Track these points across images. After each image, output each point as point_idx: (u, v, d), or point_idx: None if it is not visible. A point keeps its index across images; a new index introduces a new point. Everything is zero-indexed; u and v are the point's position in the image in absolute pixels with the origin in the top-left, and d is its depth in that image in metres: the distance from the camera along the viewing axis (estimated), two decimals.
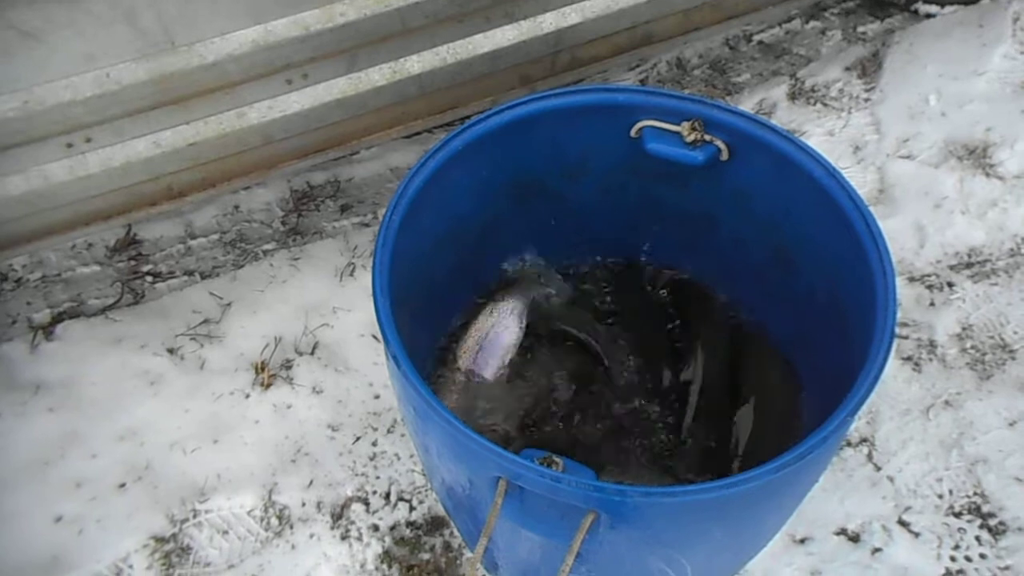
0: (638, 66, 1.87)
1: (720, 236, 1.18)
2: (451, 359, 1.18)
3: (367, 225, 1.63)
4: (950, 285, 1.48)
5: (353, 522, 1.27)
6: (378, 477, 1.31)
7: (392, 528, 1.27)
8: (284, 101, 1.44)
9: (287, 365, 1.42)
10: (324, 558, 1.23)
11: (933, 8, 1.89)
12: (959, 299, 1.46)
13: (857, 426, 1.34)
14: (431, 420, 0.83)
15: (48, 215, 1.44)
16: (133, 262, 1.59)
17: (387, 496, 1.30)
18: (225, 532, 1.27)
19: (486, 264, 1.25)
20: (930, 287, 1.48)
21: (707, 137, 1.03)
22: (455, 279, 1.21)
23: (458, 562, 1.24)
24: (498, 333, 1.17)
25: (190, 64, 1.31)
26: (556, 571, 0.79)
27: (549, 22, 1.55)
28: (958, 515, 1.25)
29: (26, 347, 1.45)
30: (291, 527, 1.26)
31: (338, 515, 1.28)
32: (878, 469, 1.29)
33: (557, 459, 0.78)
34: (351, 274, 1.53)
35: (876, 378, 0.82)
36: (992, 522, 1.24)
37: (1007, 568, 1.20)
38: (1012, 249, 1.52)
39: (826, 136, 1.71)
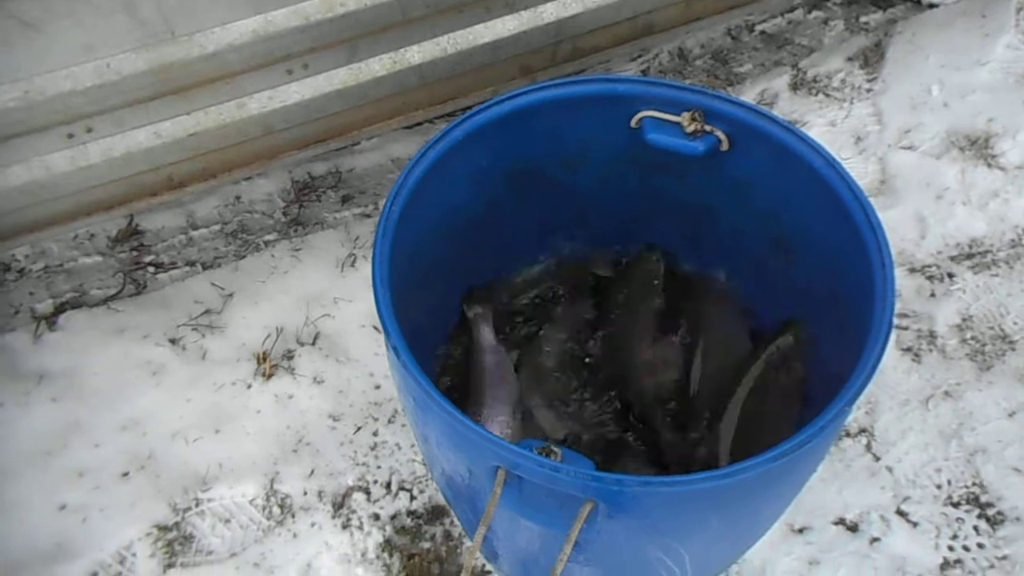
0: (640, 56, 1.86)
1: (720, 227, 1.19)
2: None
3: (368, 216, 1.63)
4: (950, 276, 1.48)
5: (354, 511, 1.28)
6: (379, 467, 1.32)
7: (393, 517, 1.27)
8: (285, 91, 1.44)
9: (288, 355, 1.43)
10: (325, 547, 1.24)
11: None
12: (959, 290, 1.46)
13: (856, 416, 1.34)
14: (430, 410, 0.83)
15: (50, 205, 1.44)
16: (135, 252, 1.60)
17: (388, 485, 1.30)
18: (227, 521, 1.27)
19: (486, 254, 1.25)
20: (930, 278, 1.48)
21: (707, 127, 1.03)
22: (455, 269, 1.21)
23: (458, 551, 1.25)
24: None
25: (190, 54, 1.31)
26: (555, 560, 0.79)
27: (550, 12, 1.54)
28: (956, 505, 1.25)
29: (29, 337, 1.46)
30: (293, 516, 1.27)
31: (339, 504, 1.28)
32: (877, 459, 1.30)
33: (556, 449, 0.79)
34: (352, 265, 1.54)
35: (874, 368, 0.82)
36: (990, 512, 1.24)
37: (1005, 558, 1.20)
38: (1013, 240, 1.52)
39: (828, 127, 1.70)
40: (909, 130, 1.67)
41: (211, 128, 1.42)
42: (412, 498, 1.29)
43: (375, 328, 1.46)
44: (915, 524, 1.24)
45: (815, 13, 1.95)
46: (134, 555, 1.24)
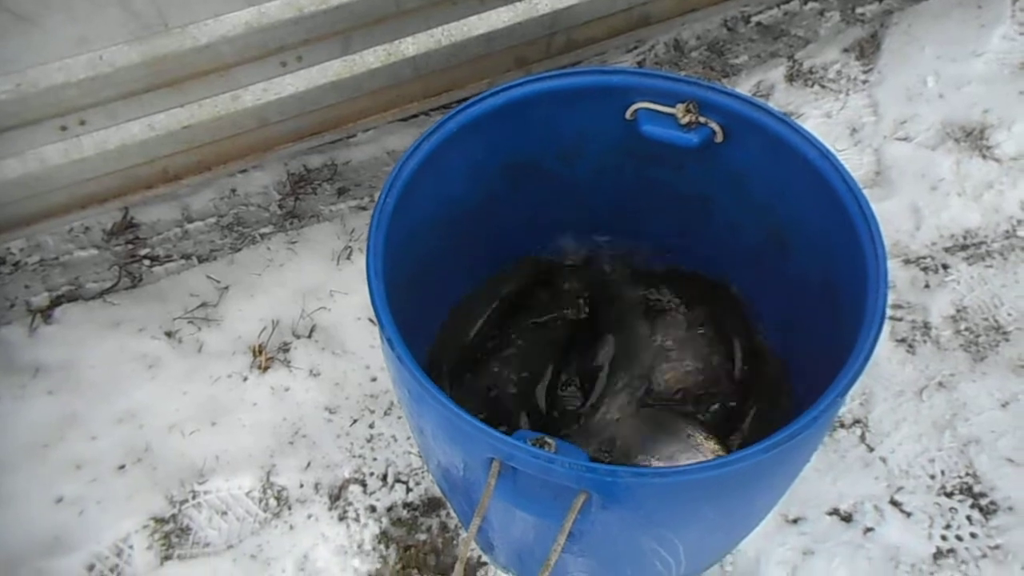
0: (635, 48, 1.86)
1: (715, 218, 1.19)
2: None
3: (364, 208, 1.63)
4: (945, 267, 1.49)
5: (350, 503, 1.28)
6: (375, 459, 1.33)
7: (389, 509, 1.28)
8: (279, 83, 1.44)
9: (285, 348, 1.43)
10: (322, 538, 1.25)
11: None
12: (954, 281, 1.47)
13: (850, 407, 1.35)
14: (425, 402, 0.83)
15: (44, 198, 1.44)
16: (130, 246, 1.60)
17: (384, 477, 1.31)
18: (224, 513, 1.28)
19: (481, 247, 1.26)
20: (925, 269, 1.49)
21: (702, 119, 1.03)
22: (450, 262, 1.21)
23: (454, 542, 1.25)
24: None
25: (183, 46, 1.31)
26: (549, 550, 0.80)
27: (545, 3, 1.54)
28: (950, 495, 1.26)
29: (25, 330, 1.46)
30: (289, 508, 1.28)
31: (336, 496, 1.29)
32: (871, 450, 1.30)
33: (550, 440, 0.79)
34: (348, 257, 1.54)
35: (866, 359, 0.83)
36: (983, 502, 1.25)
37: (997, 547, 1.21)
38: (1007, 231, 1.53)
39: (823, 118, 1.70)
40: (904, 121, 1.67)
41: (205, 120, 1.42)
42: (408, 490, 1.30)
43: (371, 321, 1.46)
44: (909, 514, 1.24)
45: (811, 4, 1.95)
46: (131, 547, 1.24)
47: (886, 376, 1.37)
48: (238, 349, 1.43)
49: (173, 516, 1.27)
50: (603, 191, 1.22)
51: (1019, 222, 1.53)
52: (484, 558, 1.23)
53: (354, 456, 1.33)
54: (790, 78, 1.77)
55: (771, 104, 1.69)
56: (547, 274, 1.31)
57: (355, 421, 1.36)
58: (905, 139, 1.64)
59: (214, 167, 1.54)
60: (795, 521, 1.24)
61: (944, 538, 1.22)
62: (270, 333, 1.45)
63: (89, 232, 1.61)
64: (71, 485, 1.29)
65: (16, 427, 1.34)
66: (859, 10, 1.91)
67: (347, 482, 1.30)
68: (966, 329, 1.42)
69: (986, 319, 1.43)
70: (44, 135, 1.34)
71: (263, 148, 1.55)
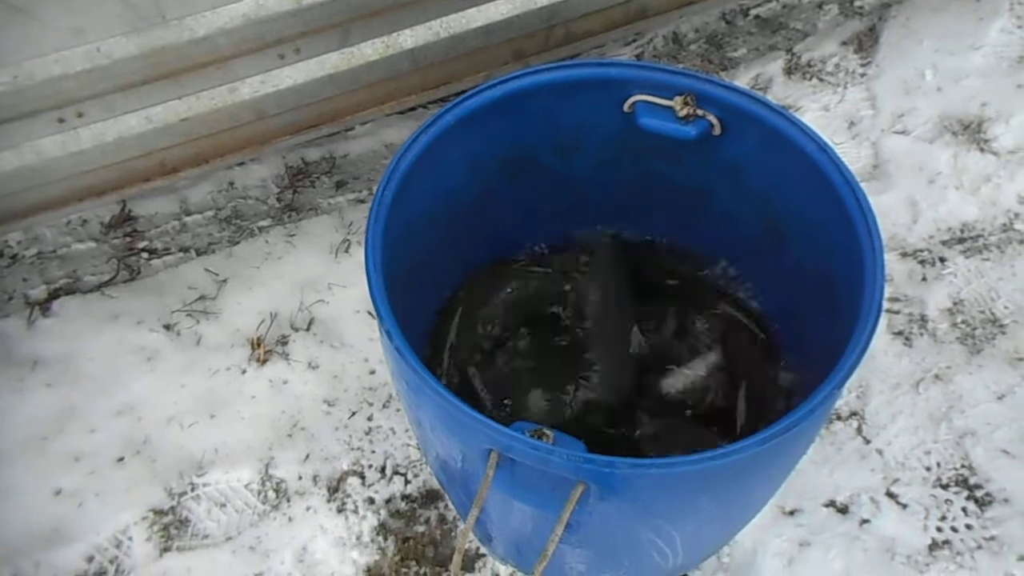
0: (634, 41, 1.85)
1: (712, 211, 1.19)
2: None
3: (362, 201, 1.63)
4: (942, 260, 1.49)
5: (349, 495, 1.29)
6: (373, 451, 1.33)
7: (388, 501, 1.28)
8: (276, 76, 1.44)
9: (283, 341, 1.43)
10: (320, 530, 1.25)
11: None
12: (951, 274, 1.47)
13: (847, 400, 1.35)
14: (424, 394, 0.84)
15: (42, 191, 1.44)
16: (128, 238, 1.60)
17: (383, 470, 1.31)
18: (223, 505, 1.28)
19: (479, 240, 1.26)
20: (922, 262, 1.49)
21: (699, 112, 1.03)
22: (448, 255, 1.21)
23: (453, 534, 1.26)
24: None
25: (181, 38, 1.30)
26: (547, 541, 0.80)
27: None
28: (945, 487, 1.27)
29: (23, 323, 1.46)
30: (288, 500, 1.28)
31: (334, 488, 1.29)
32: (867, 442, 1.31)
33: (548, 431, 0.79)
34: (346, 250, 1.54)
35: (863, 351, 0.83)
36: (979, 493, 1.26)
37: (992, 538, 1.22)
38: (1004, 224, 1.53)
39: (821, 111, 1.70)
40: (902, 115, 1.67)
41: (203, 113, 1.42)
42: (407, 482, 1.30)
43: (369, 313, 1.46)
44: (904, 506, 1.25)
45: None
46: (130, 539, 1.25)
47: (883, 369, 1.38)
48: (236, 342, 1.43)
49: (172, 508, 1.27)
50: (601, 184, 1.22)
51: (1016, 215, 1.54)
52: (482, 549, 1.23)
53: (352, 448, 1.33)
54: (788, 71, 1.77)
55: (769, 97, 1.69)
56: (546, 267, 1.31)
57: (353, 414, 1.36)
58: (903, 132, 1.64)
59: (212, 160, 1.54)
60: (792, 513, 1.25)
61: (940, 530, 1.23)
62: (268, 326, 1.45)
63: (87, 225, 1.61)
64: (70, 477, 1.29)
65: (15, 420, 1.35)
66: (857, 3, 1.91)
67: (346, 474, 1.31)
68: (963, 322, 1.42)
69: (983, 312, 1.43)
70: (41, 127, 1.34)
71: (261, 141, 1.55)
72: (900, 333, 1.42)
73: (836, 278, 0.98)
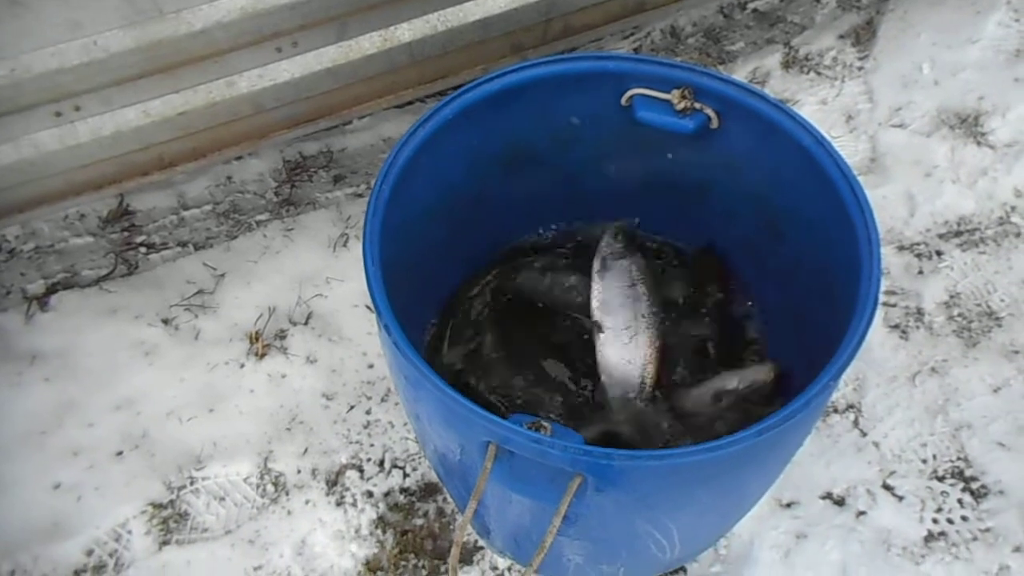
0: (632, 34, 1.85)
1: (710, 204, 1.19)
2: None
3: (360, 195, 1.63)
4: (939, 254, 1.49)
5: (348, 489, 1.29)
6: (372, 445, 1.33)
7: (386, 494, 1.29)
8: (274, 69, 1.43)
9: (281, 335, 1.44)
10: (319, 524, 1.26)
11: None
12: (947, 267, 1.48)
13: (844, 393, 1.36)
14: (422, 387, 0.84)
15: (39, 184, 1.44)
16: (126, 233, 1.59)
17: (381, 463, 1.32)
18: (222, 499, 1.29)
19: (478, 233, 1.26)
20: (919, 255, 1.50)
21: (697, 105, 1.03)
22: (447, 248, 1.21)
23: (451, 527, 1.26)
24: None
25: (178, 32, 1.30)
26: (544, 534, 0.81)
27: None
28: (941, 479, 1.27)
29: (21, 318, 1.46)
30: (287, 494, 1.29)
31: (333, 482, 1.30)
32: (864, 435, 1.31)
33: (545, 423, 0.80)
34: (344, 244, 1.54)
35: (859, 344, 0.83)
36: (974, 485, 1.27)
37: (988, 530, 1.22)
38: (1001, 218, 1.53)
39: (819, 105, 1.70)
40: (900, 108, 1.67)
41: (200, 107, 1.42)
42: (405, 475, 1.30)
43: (368, 308, 1.46)
44: (901, 498, 1.26)
45: None
46: (129, 533, 1.25)
47: (879, 361, 1.38)
48: (235, 336, 1.43)
49: (171, 502, 1.28)
50: (600, 178, 1.22)
51: (1013, 208, 1.54)
52: (480, 542, 1.24)
53: (351, 442, 1.33)
54: (786, 65, 1.77)
55: (767, 91, 1.69)
56: (544, 259, 1.31)
57: (352, 407, 1.37)
58: (900, 126, 1.65)
59: (209, 154, 1.53)
60: (788, 505, 1.25)
61: (935, 521, 1.24)
62: (267, 320, 1.45)
63: (85, 219, 1.61)
64: (69, 471, 1.29)
65: (13, 414, 1.35)
66: None
67: (344, 468, 1.31)
68: (959, 315, 1.43)
69: (979, 305, 1.44)
70: (38, 121, 1.34)
71: (258, 135, 1.55)
72: (896, 326, 1.42)
73: (833, 271, 0.98)
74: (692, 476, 0.83)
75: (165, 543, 1.24)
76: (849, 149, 1.63)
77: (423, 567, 1.23)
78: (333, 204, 1.61)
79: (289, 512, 1.27)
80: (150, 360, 1.41)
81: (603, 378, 1.14)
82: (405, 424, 1.35)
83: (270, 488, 1.29)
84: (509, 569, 1.22)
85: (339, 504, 1.28)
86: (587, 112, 1.11)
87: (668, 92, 1.03)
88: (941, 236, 1.51)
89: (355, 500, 1.28)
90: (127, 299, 1.48)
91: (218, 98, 1.42)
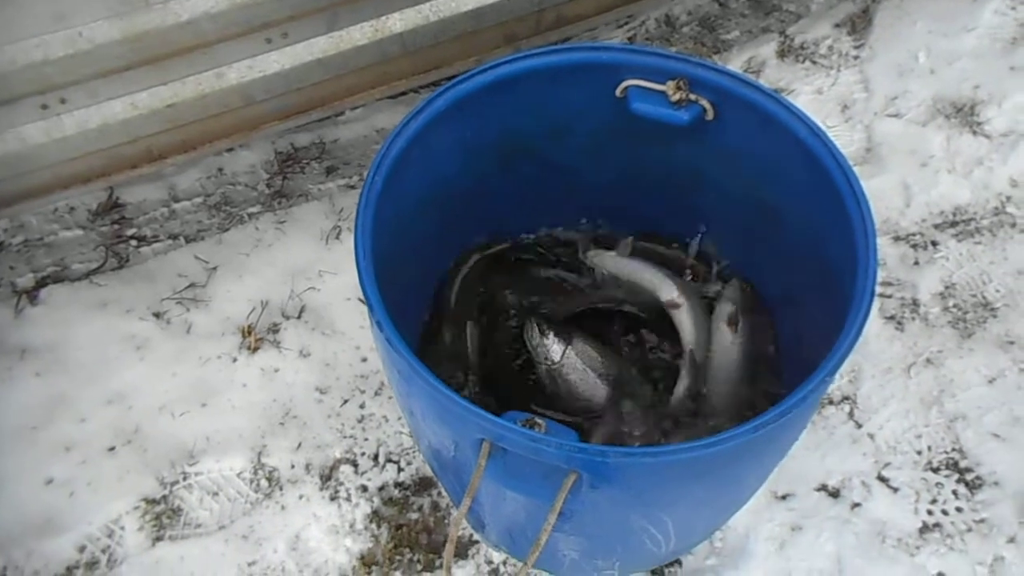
0: (626, 23, 1.84)
1: (706, 196, 1.18)
2: None
3: (353, 187, 1.61)
4: (934, 244, 1.49)
5: (342, 483, 1.28)
6: (366, 439, 1.33)
7: (381, 489, 1.28)
8: (264, 60, 1.42)
9: (274, 329, 1.42)
10: (314, 518, 1.25)
11: None
12: (943, 258, 1.47)
13: (839, 384, 1.35)
14: (415, 383, 0.83)
15: (27, 178, 1.42)
16: (116, 226, 1.58)
17: (375, 458, 1.31)
18: (215, 494, 1.28)
19: (472, 226, 1.25)
20: (914, 246, 1.49)
21: (692, 96, 1.02)
22: (440, 242, 1.20)
23: (446, 521, 1.26)
24: None
25: (165, 22, 1.28)
26: (540, 529, 0.80)
27: None
28: (936, 470, 1.27)
29: (10, 312, 1.44)
30: (280, 488, 1.28)
31: (327, 476, 1.29)
32: (859, 426, 1.31)
33: (540, 421, 0.79)
34: (337, 237, 1.53)
35: (855, 338, 0.83)
36: (969, 477, 1.27)
37: (982, 521, 1.23)
38: (996, 208, 1.53)
39: (815, 94, 1.69)
40: (895, 97, 1.66)
41: (189, 98, 1.40)
42: (399, 470, 1.30)
43: (361, 301, 1.45)
44: (895, 489, 1.26)
45: None
46: (122, 528, 1.24)
47: (875, 353, 1.38)
48: (227, 330, 1.42)
49: (164, 497, 1.27)
50: (594, 170, 1.21)
51: (1008, 198, 1.54)
52: (476, 536, 1.24)
53: (345, 436, 1.33)
54: (781, 54, 1.76)
55: (762, 80, 1.68)
56: (541, 255, 1.31)
57: (346, 401, 1.36)
58: (896, 115, 1.64)
59: (199, 146, 1.52)
60: (784, 497, 1.25)
61: (930, 512, 1.24)
62: (259, 314, 1.44)
63: (74, 212, 1.59)
64: (61, 467, 1.29)
65: (4, 409, 1.34)
66: None
67: (338, 462, 1.30)
68: (954, 306, 1.42)
69: (974, 296, 1.43)
70: (24, 114, 1.32)
71: (249, 127, 1.54)
72: (892, 317, 1.42)
73: (830, 263, 0.98)
74: (687, 472, 0.83)
75: (158, 539, 1.24)
76: (844, 139, 1.62)
77: (418, 561, 1.22)
78: (325, 196, 1.59)
79: (283, 507, 1.26)
80: (141, 354, 1.40)
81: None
82: (399, 418, 1.34)
83: (264, 483, 1.29)
84: (504, 563, 1.22)
85: (333, 499, 1.27)
86: (581, 104, 1.10)
87: (663, 83, 1.02)
88: (937, 226, 1.51)
89: (349, 495, 1.27)
90: (118, 292, 1.46)
91: (207, 90, 1.40)
